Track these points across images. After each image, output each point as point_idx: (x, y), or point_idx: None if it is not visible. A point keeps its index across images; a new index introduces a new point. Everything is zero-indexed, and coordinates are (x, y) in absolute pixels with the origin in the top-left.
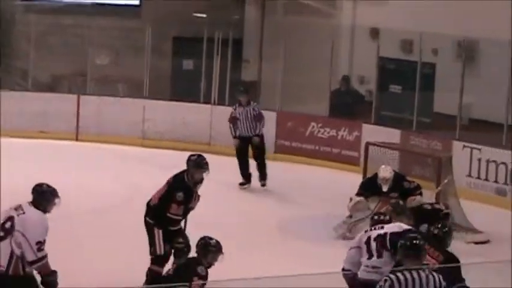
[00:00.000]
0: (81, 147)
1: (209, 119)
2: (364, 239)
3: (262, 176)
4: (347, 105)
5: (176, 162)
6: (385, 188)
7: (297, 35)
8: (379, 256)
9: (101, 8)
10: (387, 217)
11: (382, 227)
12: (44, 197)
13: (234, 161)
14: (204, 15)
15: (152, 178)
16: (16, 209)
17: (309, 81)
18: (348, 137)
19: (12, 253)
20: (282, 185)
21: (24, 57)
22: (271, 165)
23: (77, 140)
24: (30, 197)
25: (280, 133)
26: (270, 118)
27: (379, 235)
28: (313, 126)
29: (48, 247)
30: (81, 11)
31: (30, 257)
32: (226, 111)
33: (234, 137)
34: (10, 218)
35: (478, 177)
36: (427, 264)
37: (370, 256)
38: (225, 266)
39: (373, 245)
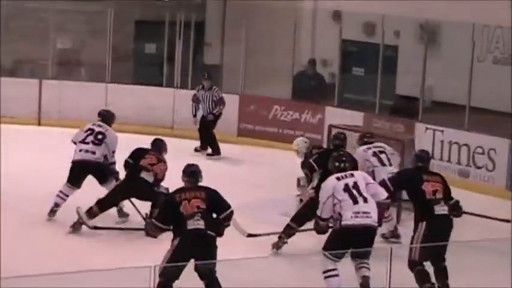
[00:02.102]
0: (44, 132)
1: (172, 103)
2: (341, 187)
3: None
4: (312, 88)
5: (139, 146)
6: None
7: (259, 18)
8: (365, 201)
9: None
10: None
11: (352, 175)
12: (112, 118)
13: (197, 144)
14: None
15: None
16: (100, 126)
17: (271, 64)
18: (311, 119)
19: None
20: (245, 168)
21: None
22: (234, 149)
23: (39, 124)
24: None
25: (243, 116)
26: (232, 101)
27: (355, 182)
28: (276, 110)
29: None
30: None
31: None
32: (189, 94)
33: (194, 116)
34: (101, 133)
35: (441, 159)
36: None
37: (355, 202)
38: None
39: (355, 192)
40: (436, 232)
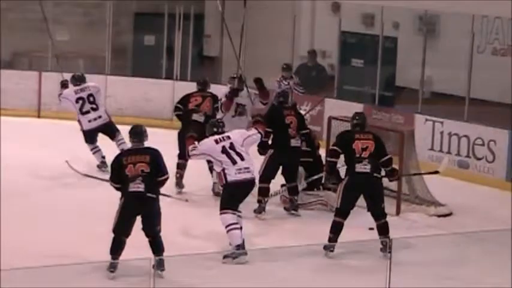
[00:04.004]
0: (43, 124)
1: (171, 95)
2: (219, 150)
3: None
4: (313, 79)
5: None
6: None
7: (259, 10)
8: (242, 159)
9: None
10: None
11: (229, 137)
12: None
13: None
14: None
15: (113, 154)
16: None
17: (270, 56)
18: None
19: None
20: None
21: None
22: None
23: (38, 117)
24: None
25: None
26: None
27: (231, 144)
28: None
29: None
30: None
31: None
32: (188, 87)
33: None
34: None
35: (441, 151)
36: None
37: (234, 162)
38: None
39: (232, 152)
40: (353, 187)
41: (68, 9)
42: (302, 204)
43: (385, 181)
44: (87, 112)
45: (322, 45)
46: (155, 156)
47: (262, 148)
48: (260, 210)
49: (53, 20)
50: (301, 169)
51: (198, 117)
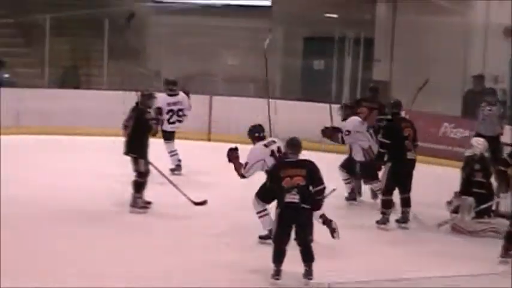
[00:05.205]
0: (213, 148)
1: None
2: (268, 153)
3: None
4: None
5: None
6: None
7: (429, 34)
8: None
9: (231, 8)
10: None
11: (274, 142)
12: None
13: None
14: (335, 15)
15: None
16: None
17: (440, 81)
18: None
19: None
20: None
21: (156, 58)
22: None
23: (209, 140)
24: None
25: None
26: None
27: (278, 147)
28: (445, 127)
29: None
30: (211, 12)
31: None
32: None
33: None
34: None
35: None
36: None
37: None
38: None
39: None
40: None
41: (238, 33)
42: (473, 232)
43: None
44: (173, 122)
45: (493, 69)
46: (311, 170)
47: (378, 160)
48: (384, 221)
49: (223, 44)
50: (470, 199)
51: None
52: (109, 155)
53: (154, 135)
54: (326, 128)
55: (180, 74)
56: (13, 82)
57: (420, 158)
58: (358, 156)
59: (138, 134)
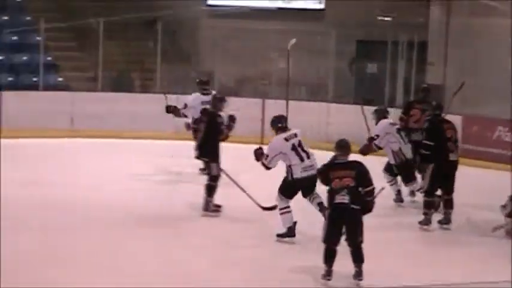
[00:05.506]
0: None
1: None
2: (289, 147)
3: None
4: None
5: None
6: None
7: (483, 37)
8: (308, 157)
9: (284, 12)
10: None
11: (296, 135)
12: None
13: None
14: (389, 18)
15: None
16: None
17: (493, 84)
18: None
19: None
20: (469, 188)
21: (209, 62)
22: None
23: (261, 143)
24: None
25: (466, 137)
26: (455, 122)
27: (300, 141)
28: (499, 130)
29: None
30: (264, 16)
31: None
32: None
33: None
34: None
35: None
36: None
37: (302, 159)
38: None
39: (300, 150)
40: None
41: (291, 36)
42: None
43: None
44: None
45: None
46: (360, 171)
47: (423, 161)
48: (426, 222)
49: (275, 48)
50: None
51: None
52: (165, 158)
53: (224, 140)
54: (362, 148)
55: (233, 77)
56: (66, 86)
57: (474, 162)
58: (391, 159)
59: (209, 137)
